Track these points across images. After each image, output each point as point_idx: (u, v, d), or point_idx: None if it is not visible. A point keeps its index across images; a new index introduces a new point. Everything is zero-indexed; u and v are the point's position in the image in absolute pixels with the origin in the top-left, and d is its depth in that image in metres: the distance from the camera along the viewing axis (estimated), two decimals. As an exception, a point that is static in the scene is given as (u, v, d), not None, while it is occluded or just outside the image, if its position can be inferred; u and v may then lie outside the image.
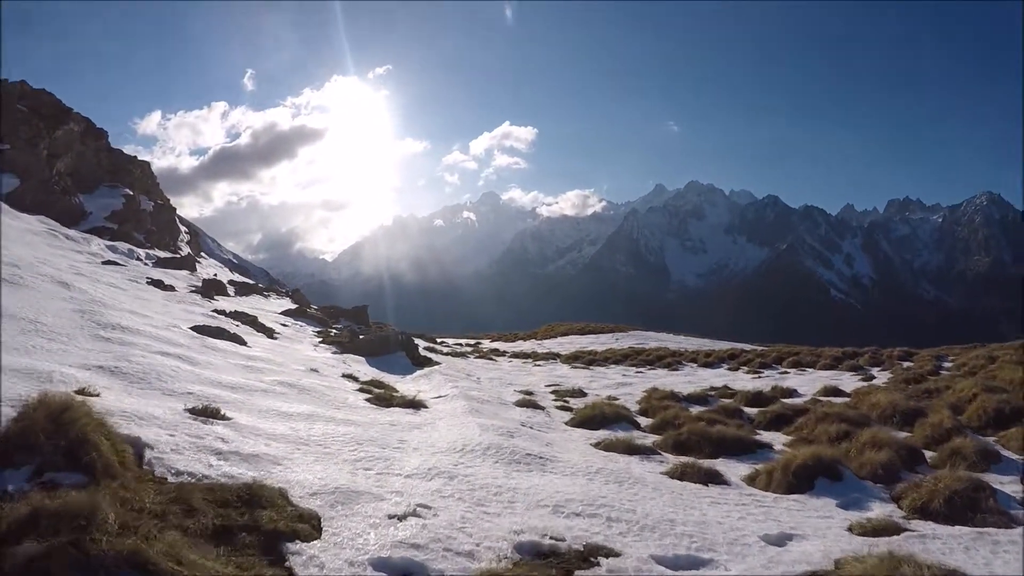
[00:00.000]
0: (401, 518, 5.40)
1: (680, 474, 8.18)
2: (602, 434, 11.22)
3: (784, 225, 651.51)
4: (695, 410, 15.44)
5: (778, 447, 10.91)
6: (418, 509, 5.65)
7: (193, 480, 5.57)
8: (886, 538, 6.13)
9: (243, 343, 18.79)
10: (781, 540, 5.97)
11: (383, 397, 12.83)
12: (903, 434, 11.89)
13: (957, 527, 6.64)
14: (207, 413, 7.86)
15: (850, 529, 6.52)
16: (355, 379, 16.46)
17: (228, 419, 7.89)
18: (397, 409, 11.83)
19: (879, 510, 7.31)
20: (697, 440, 10.34)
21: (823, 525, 6.61)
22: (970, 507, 7.12)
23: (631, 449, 9.56)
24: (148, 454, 5.92)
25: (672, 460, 9.30)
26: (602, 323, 70.74)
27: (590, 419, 12.46)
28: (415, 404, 12.48)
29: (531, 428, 11.01)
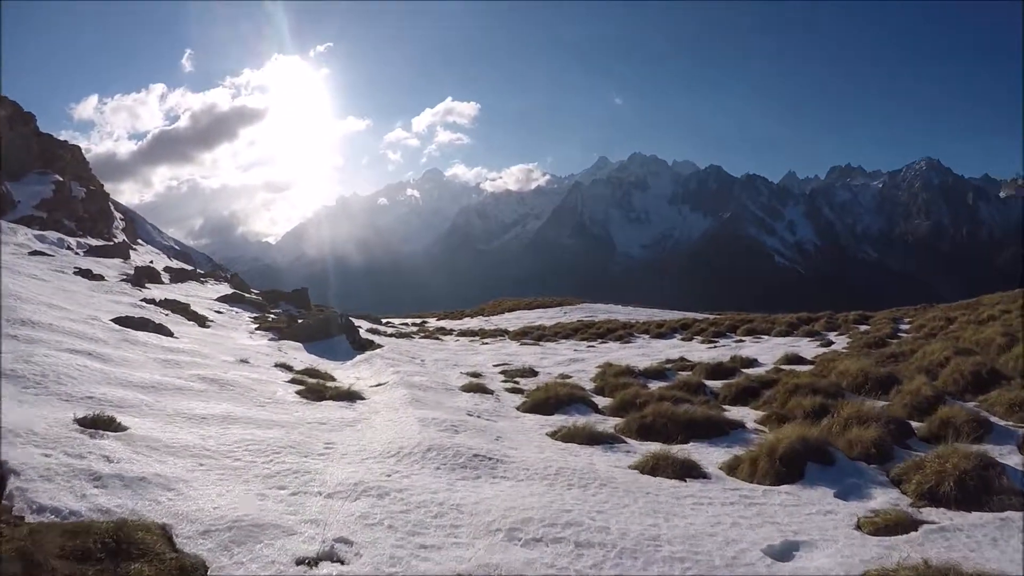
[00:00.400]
0: (313, 562, 4.17)
1: (652, 468, 7.05)
2: (558, 420, 10.12)
3: (727, 194, 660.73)
4: (654, 386, 14.52)
5: (751, 425, 9.92)
6: (336, 547, 4.42)
7: (56, 519, 4.36)
8: (903, 536, 5.20)
9: (169, 334, 17.55)
10: (787, 552, 4.92)
11: (316, 389, 11.57)
12: (880, 403, 11.13)
13: (975, 513, 5.75)
14: (98, 424, 6.54)
15: (859, 527, 5.54)
16: (289, 368, 15.25)
17: (123, 429, 6.59)
18: (330, 403, 10.59)
19: (883, 498, 6.35)
20: (664, 423, 9.24)
21: (828, 525, 5.59)
22: (983, 488, 6.20)
23: (592, 438, 8.41)
24: (11, 484, 4.71)
25: (639, 449, 8.20)
26: (549, 297, 70.08)
27: (543, 403, 11.29)
28: (350, 396, 11.24)
29: (479, 418, 9.83)
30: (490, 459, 6.80)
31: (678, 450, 7.61)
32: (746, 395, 12.67)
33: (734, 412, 11.06)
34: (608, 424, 9.88)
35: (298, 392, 11.33)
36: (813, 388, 11.22)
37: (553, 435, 8.73)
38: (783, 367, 16.94)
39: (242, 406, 9.26)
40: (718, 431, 9.12)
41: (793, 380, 12.39)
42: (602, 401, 12.53)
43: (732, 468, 7.39)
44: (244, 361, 15.04)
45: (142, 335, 15.53)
